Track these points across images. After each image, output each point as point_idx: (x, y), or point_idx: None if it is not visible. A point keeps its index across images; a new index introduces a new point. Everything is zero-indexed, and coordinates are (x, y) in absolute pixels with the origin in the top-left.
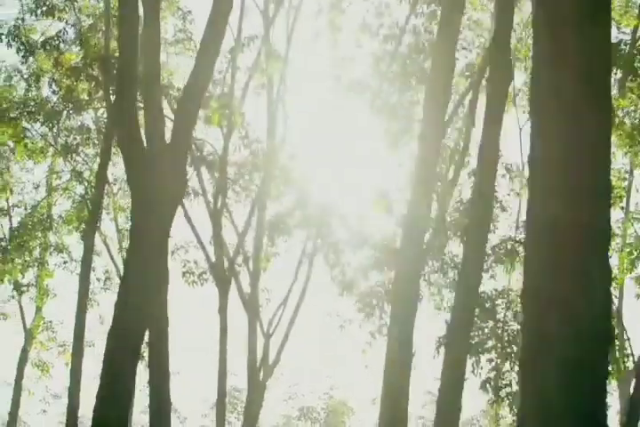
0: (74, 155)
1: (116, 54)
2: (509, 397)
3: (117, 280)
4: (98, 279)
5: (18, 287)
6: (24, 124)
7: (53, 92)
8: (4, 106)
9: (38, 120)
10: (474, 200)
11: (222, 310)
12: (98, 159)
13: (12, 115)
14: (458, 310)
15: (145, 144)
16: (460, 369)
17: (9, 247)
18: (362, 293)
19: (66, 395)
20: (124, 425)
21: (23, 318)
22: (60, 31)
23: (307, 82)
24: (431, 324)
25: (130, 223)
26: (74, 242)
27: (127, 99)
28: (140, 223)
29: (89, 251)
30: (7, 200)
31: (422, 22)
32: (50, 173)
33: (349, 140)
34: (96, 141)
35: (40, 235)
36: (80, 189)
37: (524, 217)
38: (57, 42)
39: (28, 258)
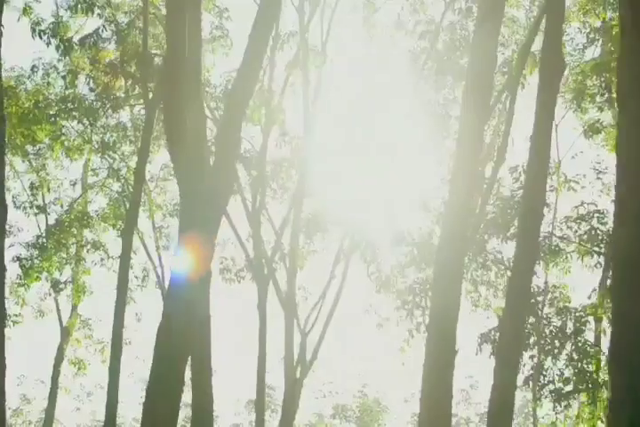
0: (111, 152)
1: (154, 51)
2: (553, 394)
3: (154, 278)
4: (136, 277)
5: (55, 285)
6: (61, 121)
7: (91, 89)
8: (42, 103)
9: (75, 118)
10: (525, 198)
11: (261, 306)
12: (134, 157)
13: (49, 112)
14: (510, 309)
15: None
16: (514, 369)
17: (46, 245)
18: (399, 290)
19: (98, 393)
20: (173, 424)
21: (59, 316)
22: (98, 28)
23: (343, 79)
24: (468, 321)
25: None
26: (110, 239)
27: (176, 98)
28: (188, 221)
29: (127, 248)
30: (43, 198)
31: (458, 19)
32: (86, 170)
33: (386, 137)
34: (132, 139)
35: (77, 232)
36: (117, 187)
37: (561, 213)
38: (95, 39)
39: (64, 255)
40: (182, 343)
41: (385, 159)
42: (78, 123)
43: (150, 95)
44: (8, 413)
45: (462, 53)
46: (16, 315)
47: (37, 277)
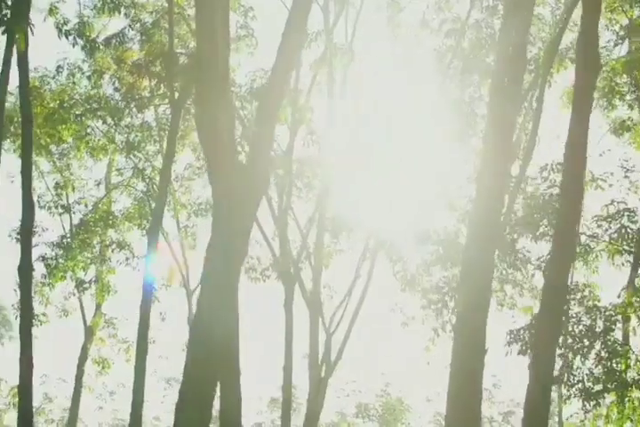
0: (136, 152)
1: (178, 51)
2: (582, 393)
3: (180, 277)
4: (162, 277)
5: (80, 284)
6: (87, 121)
7: (116, 89)
8: (67, 104)
9: (100, 117)
10: (564, 196)
11: (288, 306)
12: (158, 156)
13: (75, 112)
14: (546, 307)
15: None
16: (550, 367)
17: (71, 244)
18: (424, 289)
19: (121, 392)
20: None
21: (83, 315)
22: (124, 28)
23: (368, 77)
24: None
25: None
26: (134, 239)
27: (207, 98)
28: (222, 221)
29: (153, 248)
30: (67, 197)
31: (484, 17)
32: (109, 169)
33: (411, 136)
34: (157, 138)
35: (101, 232)
36: (141, 186)
37: (588, 211)
38: (121, 39)
39: (89, 255)
40: (215, 343)
41: (410, 158)
42: (103, 123)
43: (176, 95)
44: None
45: (488, 51)
46: (43, 314)
47: (62, 276)
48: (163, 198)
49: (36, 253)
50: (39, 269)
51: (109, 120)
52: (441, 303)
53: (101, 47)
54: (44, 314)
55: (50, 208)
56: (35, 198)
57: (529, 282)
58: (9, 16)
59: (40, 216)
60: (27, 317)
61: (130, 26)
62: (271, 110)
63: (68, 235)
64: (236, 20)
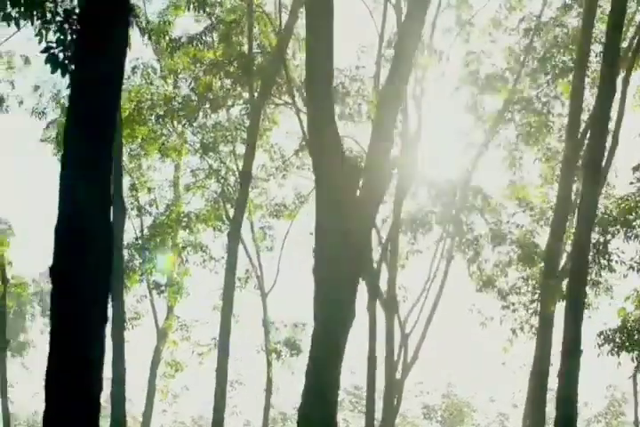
0: (210, 153)
1: (255, 51)
2: None
3: (255, 280)
4: (239, 278)
5: (156, 287)
6: (166, 122)
7: (192, 89)
8: (144, 104)
9: (174, 118)
10: None
11: (371, 307)
12: (231, 156)
13: (155, 113)
14: None
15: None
16: None
17: (147, 246)
18: (500, 289)
19: (185, 394)
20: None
21: (155, 318)
22: (206, 28)
23: (444, 75)
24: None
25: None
26: (208, 240)
27: (322, 104)
28: (334, 229)
29: (233, 250)
30: (137, 199)
31: (556, 15)
32: (177, 170)
33: (485, 135)
34: (230, 139)
35: (175, 234)
36: (215, 187)
37: None
38: (202, 38)
39: (165, 257)
40: (337, 344)
41: (485, 157)
42: (178, 123)
43: (256, 95)
44: None
45: (564, 50)
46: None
47: (139, 279)
48: (243, 200)
49: None
50: None
51: (184, 120)
52: (520, 304)
53: (182, 47)
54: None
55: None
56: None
57: (620, 283)
58: None
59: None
60: (119, 321)
61: (211, 25)
62: (390, 114)
63: (144, 237)
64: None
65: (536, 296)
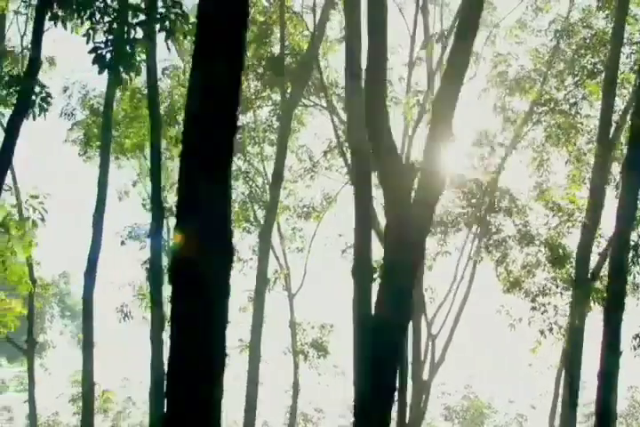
0: (239, 154)
1: (287, 52)
2: None
3: (282, 281)
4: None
5: None
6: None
7: None
8: (173, 106)
9: None
10: None
11: None
12: (258, 157)
13: (178, 114)
14: None
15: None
16: None
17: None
18: (527, 290)
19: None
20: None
21: None
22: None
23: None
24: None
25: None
26: (236, 241)
27: (379, 109)
28: (397, 226)
29: (265, 251)
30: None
31: (583, 17)
32: None
33: (513, 137)
34: (257, 140)
35: None
36: (242, 189)
37: None
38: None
39: None
40: (396, 340)
41: (512, 158)
42: None
43: (287, 96)
44: (109, 415)
45: (593, 52)
46: (144, 318)
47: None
48: (274, 202)
49: (141, 256)
50: (142, 273)
51: None
52: (549, 305)
53: None
54: (144, 318)
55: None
56: (140, 201)
57: None
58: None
59: (146, 219)
60: (157, 321)
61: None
62: (445, 117)
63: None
64: (339, 20)
65: (565, 297)
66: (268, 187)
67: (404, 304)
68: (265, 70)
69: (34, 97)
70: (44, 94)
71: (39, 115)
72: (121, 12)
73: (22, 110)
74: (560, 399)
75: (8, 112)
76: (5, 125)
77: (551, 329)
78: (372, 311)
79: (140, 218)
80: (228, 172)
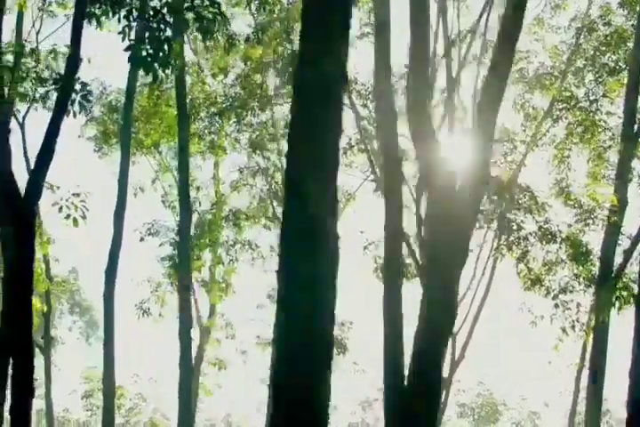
0: (259, 151)
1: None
2: None
3: None
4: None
5: (204, 285)
6: (210, 120)
7: (243, 88)
8: (193, 102)
9: (223, 116)
10: None
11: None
12: (274, 154)
13: (199, 111)
14: None
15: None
16: None
17: (197, 244)
18: (547, 287)
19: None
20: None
21: (199, 316)
22: (265, 24)
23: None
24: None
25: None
26: (253, 237)
27: (423, 110)
28: (441, 226)
29: None
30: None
31: (602, 14)
32: (217, 168)
33: (534, 134)
34: (275, 136)
35: (222, 231)
36: (261, 185)
37: None
38: (259, 36)
39: (212, 255)
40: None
41: (533, 155)
42: (228, 121)
43: None
44: (122, 411)
45: (614, 49)
46: (160, 315)
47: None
48: None
49: (160, 252)
50: (158, 268)
51: (233, 118)
52: (572, 302)
53: (238, 44)
54: (160, 314)
55: (174, 208)
56: (159, 198)
57: None
58: None
59: (164, 216)
60: (186, 320)
61: (269, 22)
62: (489, 112)
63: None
64: (360, 17)
65: (587, 295)
66: None
67: (450, 304)
68: (286, 66)
69: (74, 95)
70: (84, 92)
71: (79, 112)
72: (159, 11)
73: (63, 109)
74: (580, 397)
75: (24, 107)
76: (47, 124)
77: (573, 327)
78: (395, 311)
79: (157, 214)
80: None
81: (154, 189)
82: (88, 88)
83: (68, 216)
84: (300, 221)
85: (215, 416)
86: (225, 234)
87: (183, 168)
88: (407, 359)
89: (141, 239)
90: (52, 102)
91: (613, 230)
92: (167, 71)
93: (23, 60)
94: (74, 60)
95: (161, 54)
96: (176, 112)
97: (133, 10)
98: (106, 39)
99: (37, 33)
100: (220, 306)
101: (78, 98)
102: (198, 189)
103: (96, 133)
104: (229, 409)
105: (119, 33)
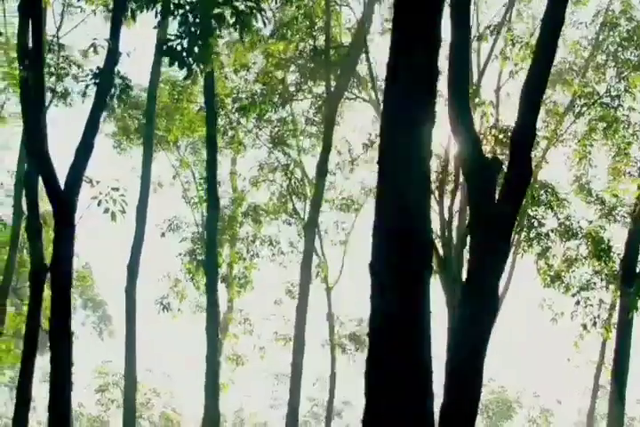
0: (280, 147)
1: (332, 45)
2: None
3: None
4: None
5: (224, 280)
6: (230, 115)
7: (264, 84)
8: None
9: (244, 112)
10: None
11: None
12: (294, 150)
13: (221, 106)
14: None
15: None
16: None
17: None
18: (567, 284)
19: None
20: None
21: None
22: (291, 19)
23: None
24: None
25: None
26: (272, 234)
27: (464, 106)
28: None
29: (310, 244)
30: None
31: (622, 9)
32: (235, 164)
33: (554, 129)
34: (295, 133)
35: (241, 227)
36: (281, 181)
37: None
38: (285, 31)
39: (232, 250)
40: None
41: (553, 151)
42: (250, 117)
43: (332, 90)
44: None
45: (636, 44)
46: (179, 310)
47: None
48: (319, 195)
49: (181, 248)
50: (177, 265)
51: (254, 114)
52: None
53: (262, 40)
54: (179, 310)
55: (196, 204)
56: (180, 194)
57: None
58: None
59: (183, 211)
60: (213, 317)
61: (296, 18)
62: (532, 105)
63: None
64: (381, 13)
65: (609, 292)
66: (306, 180)
67: (492, 306)
68: (306, 63)
69: (113, 89)
70: (123, 86)
71: (118, 107)
72: (196, 5)
73: (102, 103)
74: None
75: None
76: (87, 118)
77: (595, 324)
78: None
79: (174, 210)
80: None
81: (171, 185)
82: (127, 82)
83: (106, 210)
84: None
85: (226, 413)
86: (244, 230)
87: (212, 164)
88: None
89: (162, 235)
90: (71, 98)
91: (637, 227)
92: (201, 66)
93: (50, 56)
94: (113, 55)
95: (196, 49)
96: (196, 108)
97: (170, 5)
98: (124, 35)
99: (58, 29)
100: (238, 301)
101: (117, 92)
102: (219, 184)
103: (115, 130)
104: (242, 405)
105: (154, 27)
